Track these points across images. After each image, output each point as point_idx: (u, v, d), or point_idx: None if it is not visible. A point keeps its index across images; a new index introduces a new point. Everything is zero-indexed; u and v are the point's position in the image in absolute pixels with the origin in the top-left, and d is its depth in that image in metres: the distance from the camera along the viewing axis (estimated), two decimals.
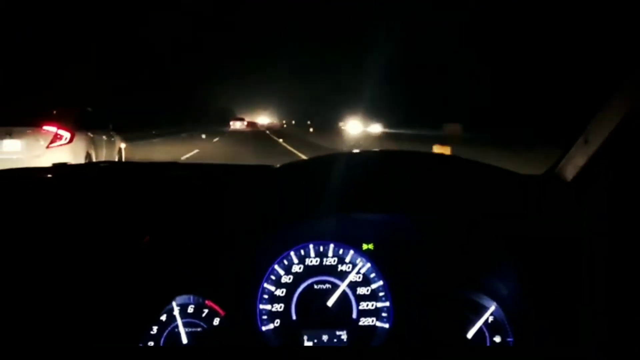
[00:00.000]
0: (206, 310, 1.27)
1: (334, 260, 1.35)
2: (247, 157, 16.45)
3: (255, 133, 43.57)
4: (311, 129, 48.14)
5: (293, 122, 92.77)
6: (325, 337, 1.28)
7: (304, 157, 12.84)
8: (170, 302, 1.24)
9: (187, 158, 14.68)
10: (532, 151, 14.10)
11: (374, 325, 1.31)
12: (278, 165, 1.28)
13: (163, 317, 1.25)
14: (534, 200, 1.22)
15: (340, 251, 1.35)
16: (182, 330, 1.25)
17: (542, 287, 1.15)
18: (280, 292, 1.31)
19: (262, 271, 1.30)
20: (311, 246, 1.34)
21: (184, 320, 1.25)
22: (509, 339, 1.28)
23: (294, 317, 1.30)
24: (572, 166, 1.23)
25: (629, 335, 1.05)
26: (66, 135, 7.71)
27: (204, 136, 27.58)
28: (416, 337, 1.27)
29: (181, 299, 1.26)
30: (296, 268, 1.33)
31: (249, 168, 1.70)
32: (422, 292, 1.30)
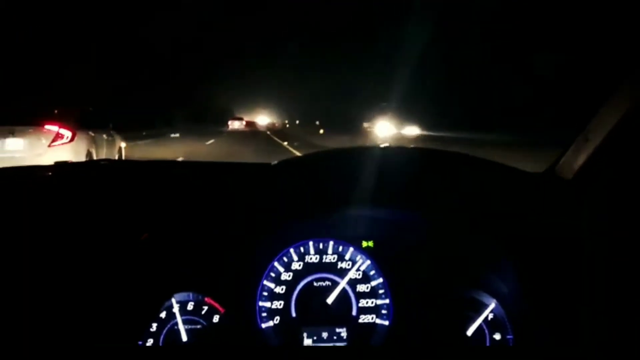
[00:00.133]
0: (206, 308, 1.27)
1: (334, 258, 1.35)
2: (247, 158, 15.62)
3: (255, 134, 38.19)
4: (321, 131, 39.62)
5: (297, 122, 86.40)
6: (325, 335, 1.28)
7: None
8: (169, 299, 1.25)
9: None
10: None
11: (374, 323, 1.31)
12: (275, 162, 1.28)
13: (163, 315, 1.25)
14: (534, 199, 1.23)
15: (340, 248, 1.35)
16: (181, 328, 1.25)
17: (542, 286, 1.16)
18: (280, 290, 1.31)
19: (261, 268, 1.31)
20: (311, 243, 1.35)
21: (184, 317, 1.26)
22: (508, 337, 1.28)
23: (293, 315, 1.30)
24: (572, 165, 1.23)
25: (628, 335, 1.05)
26: (68, 134, 7.84)
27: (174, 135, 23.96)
28: (416, 334, 1.27)
29: (180, 296, 1.27)
30: (296, 265, 1.33)
31: (247, 166, 1.71)
32: (422, 289, 1.30)
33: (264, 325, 1.28)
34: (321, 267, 1.34)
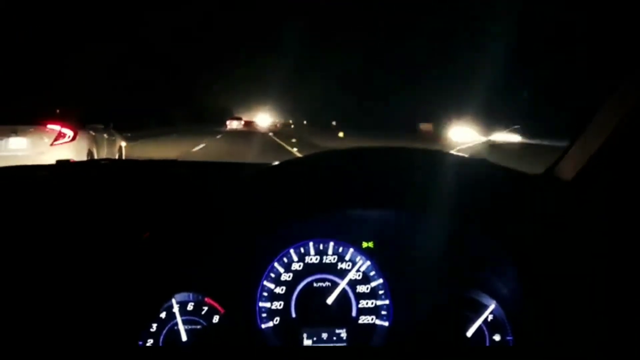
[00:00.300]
0: (206, 308, 1.27)
1: (334, 258, 1.35)
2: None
3: (255, 135, 32.93)
4: (340, 134, 31.08)
5: (305, 122, 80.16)
6: (324, 335, 1.28)
7: None
8: (169, 300, 1.25)
9: None
10: None
11: (374, 324, 1.31)
12: (276, 163, 1.29)
13: (162, 315, 1.25)
14: (533, 200, 1.22)
15: (340, 249, 1.35)
16: (181, 328, 1.25)
17: (541, 287, 1.15)
18: (280, 290, 1.31)
19: (262, 269, 1.31)
20: (311, 244, 1.35)
21: (184, 317, 1.26)
22: (508, 338, 1.28)
23: (293, 315, 1.30)
24: (572, 165, 1.23)
25: (629, 335, 1.05)
26: (69, 133, 7.95)
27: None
28: (416, 335, 1.28)
29: (181, 296, 1.27)
30: (296, 266, 1.33)
31: (247, 166, 1.71)
32: (422, 290, 1.30)
33: (263, 326, 1.28)
34: (321, 267, 1.34)
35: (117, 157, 9.46)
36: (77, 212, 1.28)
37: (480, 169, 1.26)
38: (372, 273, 1.34)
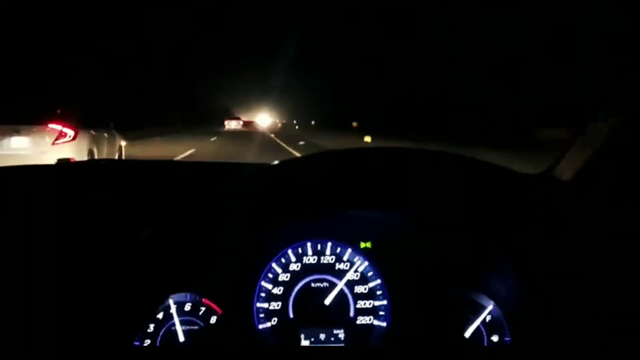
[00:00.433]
0: (203, 309, 1.27)
1: (332, 259, 1.35)
2: None
3: (255, 135, 31.85)
4: (367, 138, 22.08)
5: (312, 122, 72.03)
6: (322, 336, 1.28)
7: None
8: (166, 300, 1.24)
9: None
10: None
11: (372, 324, 1.31)
12: (275, 163, 1.28)
13: (160, 315, 1.25)
14: (532, 200, 1.22)
15: (338, 249, 1.35)
16: (178, 329, 1.25)
17: (540, 287, 1.15)
18: (277, 291, 1.31)
19: (259, 269, 1.30)
20: (309, 244, 1.34)
21: (181, 318, 1.25)
22: (506, 339, 1.28)
23: (291, 316, 1.30)
24: (571, 166, 1.23)
25: (627, 336, 1.05)
26: (70, 133, 8.03)
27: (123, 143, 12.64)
28: (413, 336, 1.27)
29: (178, 296, 1.26)
30: (294, 266, 1.33)
31: (247, 166, 1.71)
32: (420, 290, 1.30)
33: (261, 327, 1.27)
34: (319, 268, 1.33)
35: (117, 156, 9.52)
36: (76, 211, 1.28)
37: (479, 169, 1.25)
38: (370, 273, 1.34)
